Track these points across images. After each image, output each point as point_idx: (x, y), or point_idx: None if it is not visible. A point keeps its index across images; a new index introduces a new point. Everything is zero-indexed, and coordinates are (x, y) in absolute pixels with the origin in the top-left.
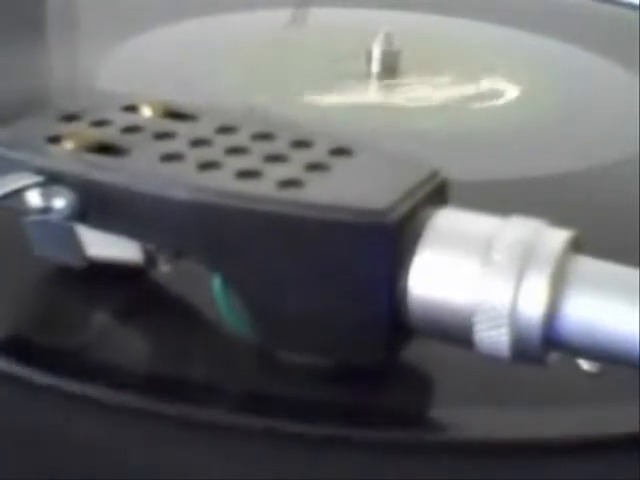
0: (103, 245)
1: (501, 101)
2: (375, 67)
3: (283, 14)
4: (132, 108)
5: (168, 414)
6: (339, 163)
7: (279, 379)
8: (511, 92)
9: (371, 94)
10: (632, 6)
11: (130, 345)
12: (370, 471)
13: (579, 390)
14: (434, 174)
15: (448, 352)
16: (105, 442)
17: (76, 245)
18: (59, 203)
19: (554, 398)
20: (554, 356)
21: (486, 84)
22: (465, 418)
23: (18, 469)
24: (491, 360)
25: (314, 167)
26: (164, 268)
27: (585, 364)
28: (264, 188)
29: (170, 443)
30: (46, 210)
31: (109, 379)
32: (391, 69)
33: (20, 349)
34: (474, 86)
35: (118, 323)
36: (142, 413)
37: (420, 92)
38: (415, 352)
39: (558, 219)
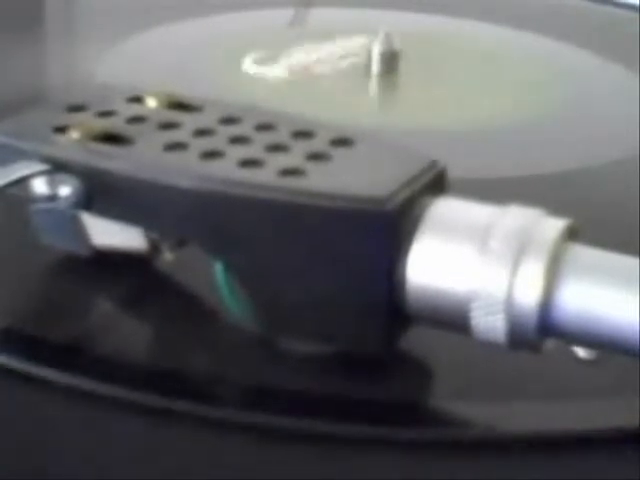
0: (108, 233)
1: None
2: (375, 67)
3: (283, 14)
4: (137, 99)
5: (170, 408)
6: (340, 153)
7: (281, 373)
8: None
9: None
10: (632, 6)
11: (134, 334)
12: (370, 469)
13: (579, 384)
14: (433, 164)
15: (446, 347)
16: (104, 439)
17: (81, 233)
18: (65, 191)
19: (554, 392)
20: (550, 343)
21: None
22: (463, 414)
23: (18, 466)
24: (489, 349)
25: (315, 157)
26: (168, 256)
27: (581, 352)
28: (266, 176)
29: (171, 439)
30: (52, 198)
31: (109, 372)
32: (391, 69)
33: (21, 341)
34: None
35: (122, 311)
36: (145, 408)
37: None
38: (413, 347)
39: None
